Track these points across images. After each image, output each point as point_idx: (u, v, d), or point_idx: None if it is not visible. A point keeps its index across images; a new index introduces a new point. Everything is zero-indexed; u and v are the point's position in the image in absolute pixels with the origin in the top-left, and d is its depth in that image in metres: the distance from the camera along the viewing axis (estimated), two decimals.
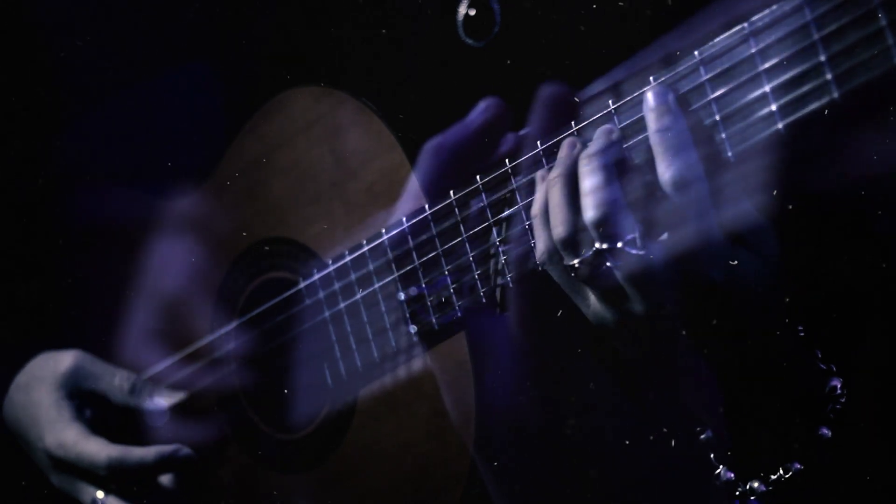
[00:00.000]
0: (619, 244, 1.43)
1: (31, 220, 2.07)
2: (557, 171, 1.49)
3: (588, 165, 1.46)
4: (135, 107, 2.01)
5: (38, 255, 2.06)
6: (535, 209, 1.52)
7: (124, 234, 1.99)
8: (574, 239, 1.47)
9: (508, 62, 1.68)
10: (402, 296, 1.71)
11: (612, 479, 1.68)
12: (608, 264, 1.45)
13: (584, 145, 1.49)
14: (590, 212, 1.45)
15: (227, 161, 1.93)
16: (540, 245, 1.52)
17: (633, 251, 1.43)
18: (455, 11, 1.70)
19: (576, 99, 1.53)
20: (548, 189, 1.50)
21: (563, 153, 1.50)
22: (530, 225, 1.57)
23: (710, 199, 1.40)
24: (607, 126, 1.47)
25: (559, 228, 1.48)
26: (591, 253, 1.45)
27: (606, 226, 1.44)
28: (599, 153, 1.46)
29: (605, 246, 1.44)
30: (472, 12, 1.69)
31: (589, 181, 1.45)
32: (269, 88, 1.86)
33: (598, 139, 1.47)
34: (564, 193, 1.47)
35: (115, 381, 1.93)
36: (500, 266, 1.62)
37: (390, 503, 1.80)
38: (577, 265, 1.47)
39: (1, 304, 2.06)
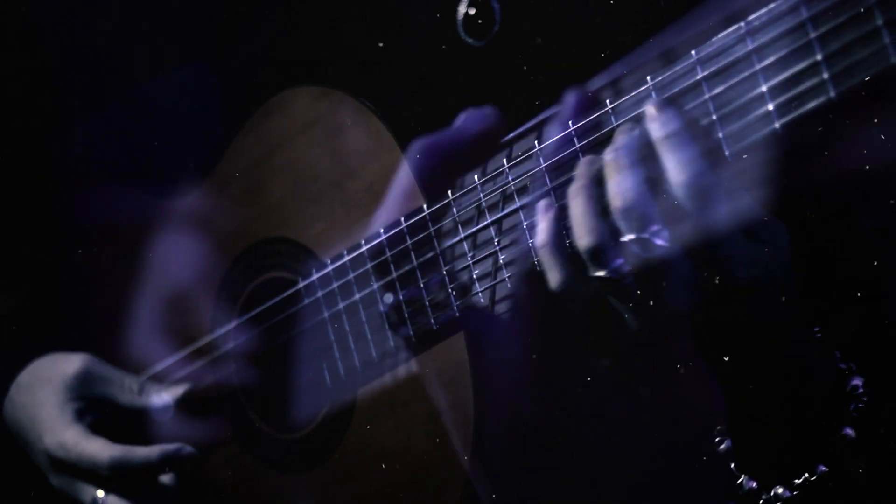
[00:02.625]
0: (646, 234, 1.43)
1: (32, 219, 2.07)
2: (578, 184, 1.48)
3: (614, 159, 1.45)
4: (135, 107, 2.01)
5: (38, 255, 2.07)
6: (542, 238, 1.51)
7: (124, 234, 1.99)
8: (602, 246, 1.46)
9: (508, 61, 1.68)
10: (399, 296, 1.71)
11: (614, 481, 1.68)
12: (632, 268, 1.44)
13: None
14: (618, 201, 1.44)
15: (227, 161, 1.93)
16: (554, 275, 1.51)
17: (661, 242, 1.43)
18: (455, 10, 1.70)
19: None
20: (569, 204, 1.49)
21: (581, 170, 1.49)
22: (529, 224, 1.57)
23: (723, 198, 1.40)
24: (627, 125, 1.47)
25: (585, 239, 1.46)
26: (618, 262, 1.45)
27: (635, 212, 1.43)
28: (624, 148, 1.45)
29: (633, 236, 1.44)
30: (472, 11, 1.69)
31: (614, 173, 1.45)
32: (269, 88, 1.87)
33: (619, 137, 1.47)
34: (589, 203, 1.47)
35: (124, 383, 1.93)
36: (498, 266, 1.62)
37: (390, 503, 1.80)
38: (605, 275, 1.46)
39: (1, 304, 2.07)
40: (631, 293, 1.47)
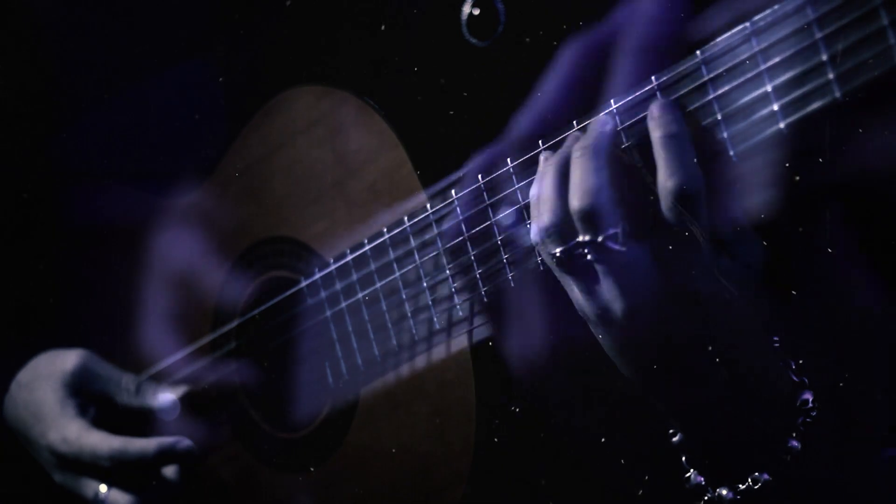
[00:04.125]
0: (601, 238, 1.43)
1: (32, 218, 2.07)
2: (553, 160, 1.49)
3: (579, 155, 1.45)
4: (136, 106, 2.01)
5: (39, 254, 2.07)
6: (533, 190, 1.51)
7: (127, 234, 1.99)
8: (559, 228, 1.46)
9: (512, 62, 1.68)
10: (402, 295, 1.72)
11: (599, 474, 1.69)
12: (589, 257, 1.45)
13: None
14: (575, 201, 1.44)
15: (229, 160, 1.93)
16: (533, 227, 1.51)
17: (615, 247, 1.43)
18: (459, 10, 1.71)
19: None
20: (542, 177, 1.50)
21: (566, 144, 1.50)
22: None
23: (707, 209, 1.41)
24: (603, 117, 1.47)
25: (545, 216, 1.47)
26: (573, 244, 1.45)
27: (590, 217, 1.43)
28: (591, 143, 1.45)
29: (587, 238, 1.44)
30: (477, 12, 1.69)
31: (577, 170, 1.45)
32: (271, 87, 1.87)
33: (592, 130, 1.47)
34: (555, 182, 1.47)
35: (121, 382, 1.93)
36: (502, 265, 1.62)
37: (391, 502, 1.80)
38: (558, 254, 1.47)
39: (2, 303, 2.07)
40: (585, 278, 1.47)
